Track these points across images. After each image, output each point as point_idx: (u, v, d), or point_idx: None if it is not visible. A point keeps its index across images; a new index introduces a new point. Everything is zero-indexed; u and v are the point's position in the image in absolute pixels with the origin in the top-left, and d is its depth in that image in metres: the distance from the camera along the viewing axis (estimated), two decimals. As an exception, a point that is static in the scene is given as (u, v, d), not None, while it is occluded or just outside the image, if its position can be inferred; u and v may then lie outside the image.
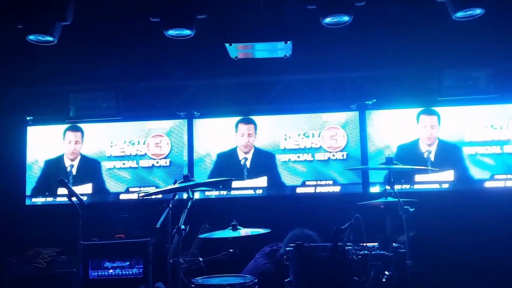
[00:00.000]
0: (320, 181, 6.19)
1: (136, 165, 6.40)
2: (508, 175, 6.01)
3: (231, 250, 4.48)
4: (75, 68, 5.95)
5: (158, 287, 5.17)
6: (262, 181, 6.23)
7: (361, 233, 3.91)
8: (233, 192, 6.25)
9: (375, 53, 5.74)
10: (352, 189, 6.13)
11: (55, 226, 5.81)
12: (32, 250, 5.65)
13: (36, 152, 6.48)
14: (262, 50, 5.07)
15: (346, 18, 4.34)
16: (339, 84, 6.33)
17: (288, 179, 6.23)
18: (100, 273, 5.40)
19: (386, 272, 3.83)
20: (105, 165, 6.43)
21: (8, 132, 6.49)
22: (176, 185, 4.04)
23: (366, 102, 6.19)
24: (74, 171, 6.44)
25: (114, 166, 6.42)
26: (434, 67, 5.98)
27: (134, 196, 6.33)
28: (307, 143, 6.26)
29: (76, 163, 6.46)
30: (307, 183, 6.20)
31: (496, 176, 6.02)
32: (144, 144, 6.43)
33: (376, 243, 4.02)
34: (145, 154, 6.41)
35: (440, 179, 6.04)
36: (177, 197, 4.04)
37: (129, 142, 6.44)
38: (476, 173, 6.04)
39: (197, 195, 6.11)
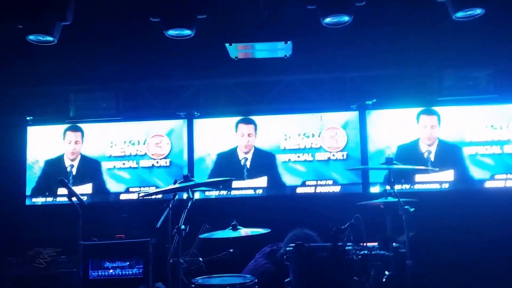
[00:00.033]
0: (320, 181, 6.19)
1: (136, 165, 6.40)
2: (508, 175, 6.01)
3: (231, 250, 4.49)
4: (75, 68, 5.95)
5: (158, 287, 5.17)
6: (262, 181, 6.23)
7: (361, 233, 3.91)
8: (233, 192, 6.25)
9: (375, 53, 5.74)
10: (352, 189, 6.13)
11: (55, 226, 5.81)
12: (32, 250, 5.64)
13: (36, 152, 6.48)
14: (262, 50, 5.07)
15: (346, 18, 4.34)
16: (339, 84, 6.33)
17: (288, 179, 6.23)
18: (100, 273, 5.39)
19: (386, 272, 3.83)
20: (105, 165, 6.43)
21: (8, 132, 6.49)
22: (176, 185, 4.05)
23: (366, 102, 6.19)
24: (74, 171, 6.44)
25: (114, 166, 6.42)
26: (434, 67, 5.98)
27: (134, 196, 6.33)
28: (307, 143, 6.26)
29: (76, 163, 6.46)
30: (307, 183, 6.20)
31: (496, 176, 6.02)
32: (144, 144, 6.43)
33: (376, 243, 4.02)
34: (145, 154, 6.41)
35: (440, 179, 6.04)
36: (177, 197, 4.04)
37: (129, 142, 6.44)
38: (476, 173, 6.04)
39: (197, 195, 6.11)
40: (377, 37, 5.40)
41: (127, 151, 6.42)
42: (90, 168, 6.43)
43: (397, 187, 4.39)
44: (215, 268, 4.35)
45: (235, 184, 6.21)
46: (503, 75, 6.02)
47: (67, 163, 6.46)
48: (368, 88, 6.22)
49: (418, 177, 6.08)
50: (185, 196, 3.97)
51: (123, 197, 6.37)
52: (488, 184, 6.01)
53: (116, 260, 5.40)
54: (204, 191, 6.22)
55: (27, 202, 6.40)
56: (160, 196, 5.39)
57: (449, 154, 6.10)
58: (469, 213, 5.70)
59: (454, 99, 6.04)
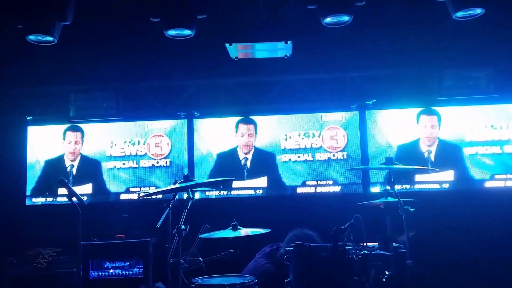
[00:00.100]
0: (320, 181, 6.19)
1: (136, 165, 6.40)
2: (508, 175, 6.01)
3: (231, 250, 4.49)
4: (75, 68, 5.95)
5: (158, 287, 5.17)
6: (262, 181, 6.23)
7: (361, 233, 3.91)
8: (233, 192, 6.25)
9: (375, 53, 5.74)
10: (352, 189, 6.13)
11: (55, 226, 5.81)
12: (32, 250, 5.64)
13: (36, 152, 6.48)
14: (262, 50, 5.07)
15: (346, 18, 4.34)
16: (339, 84, 6.33)
17: (288, 179, 6.23)
18: (100, 273, 5.39)
19: (386, 272, 3.83)
20: (105, 165, 6.43)
21: (8, 132, 6.49)
22: (176, 185, 4.05)
23: (367, 102, 6.19)
24: (74, 171, 6.44)
25: (114, 166, 6.42)
26: (434, 67, 5.99)
27: (134, 196, 6.33)
28: (307, 143, 6.26)
29: (76, 163, 6.46)
30: (307, 183, 6.20)
31: (496, 176, 6.02)
32: (144, 144, 6.43)
33: (376, 243, 4.02)
34: (145, 154, 6.41)
35: (440, 179, 6.04)
36: (177, 197, 4.04)
37: (129, 142, 6.44)
38: (476, 173, 6.04)
39: (197, 195, 6.11)
40: (377, 37, 5.40)
41: (127, 151, 6.42)
42: (90, 168, 6.43)
43: (397, 187, 4.38)
44: (215, 268, 4.35)
45: (235, 184, 6.21)
46: (503, 75, 6.02)
47: (67, 163, 6.46)
48: (368, 88, 6.22)
49: (418, 177, 6.08)
50: (185, 196, 3.97)
51: (123, 197, 6.37)
52: (488, 184, 6.01)
53: (116, 260, 5.40)
54: (204, 191, 6.22)
55: (27, 202, 6.40)
56: (160, 196, 5.39)
57: (449, 154, 6.10)
58: (469, 213, 5.70)
59: (454, 99, 6.04)
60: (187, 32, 4.49)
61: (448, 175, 6.04)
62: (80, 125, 6.48)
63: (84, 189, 6.33)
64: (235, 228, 4.20)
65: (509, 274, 5.45)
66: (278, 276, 4.15)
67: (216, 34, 4.87)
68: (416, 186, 6.07)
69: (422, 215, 4.37)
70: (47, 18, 4.34)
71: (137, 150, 6.42)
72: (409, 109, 6.20)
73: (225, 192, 6.25)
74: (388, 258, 3.87)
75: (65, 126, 6.49)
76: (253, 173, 6.26)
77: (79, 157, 6.47)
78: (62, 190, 6.07)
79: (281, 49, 5.00)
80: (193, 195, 4.02)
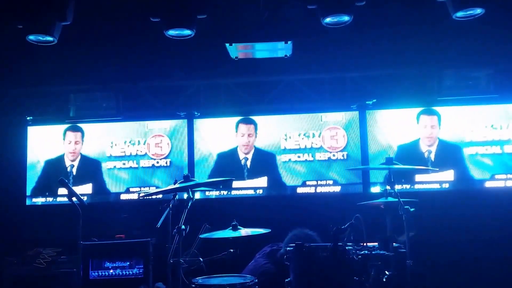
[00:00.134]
0: (321, 181, 6.19)
1: (137, 165, 6.40)
2: (508, 175, 6.01)
3: (232, 250, 4.49)
4: (75, 68, 5.95)
5: (158, 287, 5.17)
6: (262, 181, 6.23)
7: (362, 233, 3.91)
8: (233, 192, 6.25)
9: (375, 53, 5.74)
10: (352, 189, 6.13)
11: (55, 226, 5.81)
12: (32, 250, 5.64)
13: (37, 152, 6.48)
14: (262, 50, 5.07)
15: (346, 18, 4.34)
16: (339, 84, 6.33)
17: (288, 179, 6.23)
18: (100, 273, 5.40)
19: (386, 272, 3.83)
20: (105, 165, 6.43)
21: (8, 132, 6.49)
22: (177, 185, 4.05)
23: (367, 102, 6.19)
24: (74, 171, 6.44)
25: (115, 166, 6.42)
26: (434, 67, 5.98)
27: (135, 196, 6.33)
28: (307, 143, 6.26)
29: (76, 163, 6.46)
30: (307, 183, 6.20)
31: (496, 176, 6.02)
32: (144, 144, 6.43)
33: (376, 243, 4.02)
34: (146, 154, 6.41)
35: (440, 179, 6.04)
36: (177, 197, 4.04)
37: (129, 142, 6.44)
38: (476, 173, 6.05)
39: (197, 195, 6.11)
40: (377, 37, 5.40)
41: (127, 151, 6.42)
42: (90, 168, 6.43)
43: (397, 187, 4.38)
44: (215, 268, 4.35)
45: (236, 184, 6.21)
46: (503, 75, 6.02)
47: (67, 163, 6.46)
48: (368, 88, 6.22)
49: (418, 177, 6.08)
50: (185, 196, 3.97)
51: (123, 197, 6.37)
52: (488, 184, 6.01)
53: (116, 260, 5.41)
54: (205, 191, 6.21)
55: (27, 202, 6.40)
56: (160, 196, 5.39)
57: (449, 154, 6.10)
58: (469, 213, 5.70)
59: (454, 99, 6.04)
60: (187, 32, 4.49)
61: (448, 175, 6.04)
62: (80, 125, 6.48)
63: (84, 189, 6.33)
64: (235, 228, 4.20)
65: (509, 274, 5.45)
66: (278, 276, 4.15)
67: (216, 34, 4.87)
68: (416, 186, 6.07)
69: (422, 215, 4.37)
70: (47, 18, 4.34)
71: (137, 150, 6.42)
72: (409, 109, 6.20)
73: (225, 192, 6.25)
74: (388, 258, 3.87)
75: (65, 126, 6.49)
76: (253, 173, 6.26)
77: (79, 157, 6.47)
78: (62, 190, 6.07)
79: (281, 49, 5.00)
80: (193, 195, 4.02)
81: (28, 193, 6.41)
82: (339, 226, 3.79)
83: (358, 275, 3.76)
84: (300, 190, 6.20)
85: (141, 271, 5.37)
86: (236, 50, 5.02)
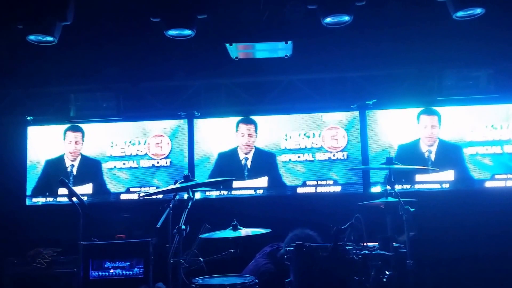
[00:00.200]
0: (321, 181, 6.19)
1: (137, 165, 6.41)
2: (509, 175, 6.01)
3: (232, 250, 4.48)
4: (75, 68, 5.96)
5: (158, 287, 5.17)
6: (262, 181, 6.23)
7: (362, 233, 3.91)
8: (233, 192, 6.25)
9: (376, 53, 5.74)
10: (352, 189, 6.13)
11: (55, 226, 5.81)
12: (32, 250, 5.64)
13: (37, 152, 6.49)
14: (263, 50, 5.08)
15: (346, 18, 4.34)
16: (339, 84, 6.32)
17: (288, 179, 6.23)
18: (100, 274, 5.39)
19: (387, 272, 3.83)
20: (106, 165, 6.43)
21: (8, 132, 6.50)
22: (177, 185, 4.04)
23: (367, 102, 6.19)
24: (74, 171, 6.44)
25: (115, 166, 6.42)
26: (434, 67, 5.98)
27: (135, 196, 6.33)
28: (307, 143, 6.26)
29: (76, 163, 6.46)
30: (307, 183, 6.20)
31: (497, 176, 6.02)
32: (144, 144, 6.43)
33: (377, 243, 4.01)
34: (146, 154, 6.41)
35: (440, 179, 6.04)
36: (177, 197, 4.04)
37: (130, 142, 6.44)
38: (477, 173, 6.05)
39: (198, 195, 6.12)
40: (377, 37, 5.41)
41: (127, 151, 6.43)
42: (90, 168, 6.43)
43: (398, 187, 4.38)
44: (216, 268, 4.35)
45: (236, 184, 6.21)
46: (503, 75, 6.02)
47: (68, 163, 6.46)
48: (369, 88, 6.22)
49: (418, 177, 6.08)
50: (185, 196, 3.97)
51: (123, 197, 6.37)
52: (489, 184, 6.01)
53: (116, 260, 5.40)
54: (205, 191, 6.22)
55: (28, 202, 6.41)
56: (160, 196, 5.38)
57: (449, 154, 6.10)
58: (470, 213, 5.70)
59: (454, 99, 6.04)
60: (187, 32, 4.50)
61: (448, 175, 6.04)
62: (80, 125, 6.49)
63: (85, 189, 6.33)
64: (235, 228, 4.20)
65: (510, 274, 5.45)
66: (279, 276, 4.15)
67: (217, 34, 4.88)
68: (417, 186, 6.07)
69: (423, 215, 4.37)
70: (48, 18, 4.35)
71: (138, 150, 6.42)
72: (410, 109, 6.20)
73: (225, 192, 6.25)
74: (389, 258, 3.87)
75: (66, 126, 6.49)
76: (254, 173, 6.26)
77: (79, 157, 6.47)
78: (62, 190, 6.07)
79: (281, 49, 5.00)
80: (193, 195, 4.02)
81: (29, 193, 6.41)
82: (339, 226, 3.79)
83: (359, 275, 3.75)
84: (300, 190, 6.20)
85: (141, 271, 5.37)
86: (236, 50, 5.02)
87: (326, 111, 6.29)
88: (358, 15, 4.38)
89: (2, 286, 5.55)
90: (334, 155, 6.22)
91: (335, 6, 4.28)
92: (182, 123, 6.42)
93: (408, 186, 6.06)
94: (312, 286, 3.75)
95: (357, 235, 3.92)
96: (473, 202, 5.85)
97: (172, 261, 3.75)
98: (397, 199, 4.15)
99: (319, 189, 6.18)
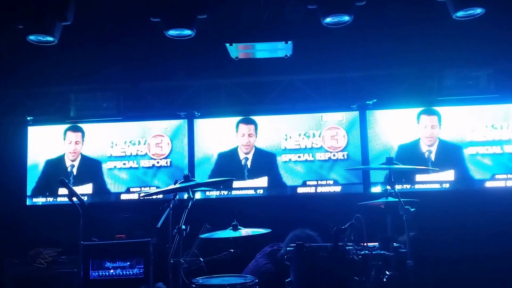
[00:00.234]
0: (321, 181, 6.19)
1: (137, 165, 6.41)
2: (509, 175, 6.01)
3: (232, 250, 4.49)
4: (76, 68, 5.95)
5: (159, 287, 5.17)
6: (263, 181, 6.23)
7: (362, 233, 3.91)
8: (234, 192, 6.25)
9: (376, 53, 5.74)
10: (353, 189, 6.13)
11: (55, 226, 5.81)
12: (32, 250, 5.65)
13: (37, 152, 6.49)
14: (263, 50, 5.08)
15: (346, 18, 4.34)
16: (339, 84, 6.32)
17: (288, 179, 6.23)
18: (100, 274, 5.40)
19: (387, 272, 3.83)
20: (106, 165, 6.43)
21: (8, 132, 6.50)
22: (177, 185, 4.05)
23: (367, 102, 6.19)
24: (74, 171, 6.44)
25: (115, 166, 6.42)
26: (434, 67, 5.99)
27: (135, 196, 6.33)
28: (307, 143, 6.26)
29: (76, 163, 6.46)
30: (307, 183, 6.20)
31: (497, 176, 6.02)
32: (144, 144, 6.43)
33: (377, 243, 4.02)
34: (146, 154, 6.42)
35: (440, 179, 6.04)
36: (177, 197, 4.04)
37: (130, 142, 6.44)
38: (477, 173, 6.04)
39: (198, 195, 6.12)
40: (377, 37, 5.40)
41: (127, 151, 6.43)
42: (90, 168, 6.43)
43: (398, 187, 4.38)
44: (216, 268, 4.35)
45: (236, 184, 6.21)
46: (503, 75, 6.02)
47: (68, 163, 6.46)
48: (369, 88, 6.22)
49: (418, 177, 6.08)
50: (185, 196, 3.97)
51: (123, 197, 6.37)
52: (489, 184, 6.01)
53: (116, 260, 5.41)
54: (205, 191, 6.22)
55: (28, 202, 6.41)
56: (160, 196, 5.39)
57: (449, 154, 6.10)
58: (470, 213, 5.70)
59: (454, 99, 6.04)
60: (187, 32, 4.50)
61: (448, 175, 6.04)
62: (80, 125, 6.49)
63: (85, 189, 6.33)
64: (235, 228, 4.20)
65: (510, 274, 5.45)
66: (279, 276, 4.15)
67: (217, 34, 4.87)
68: (417, 186, 6.07)
69: (423, 215, 4.37)
70: (48, 19, 4.34)
71: (138, 150, 6.42)
72: (410, 109, 6.20)
73: (225, 192, 6.25)
74: (389, 258, 3.87)
75: (66, 126, 6.49)
76: (254, 173, 6.26)
77: (79, 157, 6.47)
78: (62, 190, 6.07)
79: (281, 49, 5.00)
80: (193, 195, 4.02)
81: (29, 193, 6.41)
82: (339, 226, 3.79)
83: (359, 275, 3.75)
84: (300, 190, 6.20)
85: (141, 271, 5.38)
86: (236, 50, 5.02)
87: (326, 111, 6.29)
88: (358, 15, 4.38)
89: (2, 286, 5.56)
90: (334, 155, 6.22)
91: (335, 6, 4.28)
92: (182, 123, 6.41)
93: (408, 186, 6.06)
94: (312, 286, 3.75)
95: (357, 235, 3.92)
96: (473, 202, 5.85)
97: (172, 261, 3.75)
98: (397, 199, 4.15)
99: (319, 189, 6.18)
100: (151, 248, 5.30)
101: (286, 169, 6.25)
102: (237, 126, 6.35)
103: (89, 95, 6.32)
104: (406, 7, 4.95)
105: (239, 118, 6.36)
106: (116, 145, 6.44)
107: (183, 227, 3.77)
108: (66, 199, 4.58)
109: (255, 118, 6.35)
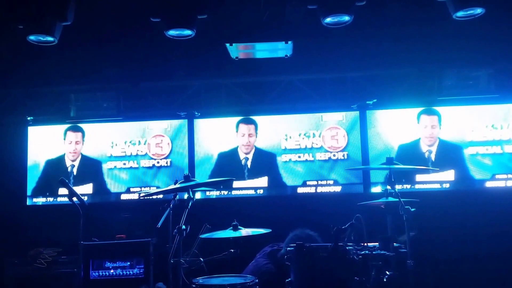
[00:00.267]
0: (321, 181, 6.19)
1: (137, 165, 6.41)
2: (509, 175, 6.00)
3: (232, 250, 4.49)
4: (76, 68, 5.96)
5: (159, 287, 5.17)
6: (263, 181, 6.23)
7: (362, 233, 3.91)
8: (234, 192, 6.25)
9: (376, 53, 5.75)
10: (353, 189, 6.13)
11: (56, 226, 5.82)
12: (33, 250, 5.65)
13: (37, 152, 6.48)
14: (263, 50, 5.08)
15: (346, 18, 4.34)
16: (339, 84, 6.33)
17: (289, 179, 6.23)
18: (101, 274, 5.40)
19: (387, 272, 3.83)
20: (106, 165, 6.43)
21: (9, 132, 6.50)
22: (177, 185, 4.04)
23: (367, 102, 6.19)
24: (75, 171, 6.44)
25: (115, 166, 6.42)
26: (434, 67, 5.99)
27: (135, 196, 6.33)
28: (307, 143, 6.26)
29: (77, 163, 6.46)
30: (308, 183, 6.20)
31: (497, 176, 6.02)
32: (144, 144, 6.43)
33: (377, 243, 4.02)
34: (146, 154, 6.41)
35: (441, 179, 6.04)
36: (178, 197, 4.04)
37: (130, 142, 6.44)
38: (477, 173, 6.04)
39: (198, 195, 6.12)
40: (377, 37, 5.41)
41: (127, 151, 6.43)
42: (90, 168, 6.43)
43: (398, 187, 4.38)
44: (216, 268, 4.35)
45: (236, 184, 6.21)
46: (503, 75, 6.03)
47: (68, 163, 6.46)
48: (369, 88, 6.22)
49: (419, 177, 6.07)
50: (186, 196, 3.97)
51: (123, 197, 6.37)
52: (489, 184, 6.01)
53: (117, 260, 5.41)
54: (205, 191, 6.22)
55: (28, 202, 6.41)
56: (161, 196, 5.40)
57: (449, 154, 6.09)
58: (470, 213, 5.70)
59: (454, 98, 6.05)
60: (187, 32, 4.50)
61: (448, 175, 6.04)
62: (80, 125, 6.49)
63: (85, 189, 6.33)
64: (235, 228, 4.20)
65: (510, 274, 5.45)
66: (279, 276, 4.15)
67: (217, 34, 4.88)
68: (417, 186, 6.07)
69: (423, 215, 4.37)
70: (48, 19, 4.34)
71: (138, 150, 6.42)
72: (410, 109, 6.20)
73: (225, 192, 6.25)
74: (389, 258, 3.87)
75: (66, 126, 6.49)
76: (254, 173, 6.26)
77: (79, 157, 6.47)
78: (62, 190, 6.07)
79: (281, 49, 5.01)
80: (193, 195, 4.01)
81: (29, 193, 6.41)
82: (339, 226, 3.79)
83: (359, 275, 3.75)
84: (300, 190, 6.20)
85: (141, 271, 5.38)
86: (236, 50, 5.02)
87: (326, 111, 6.29)
88: (358, 15, 4.38)
89: (2, 286, 5.56)
90: (334, 155, 6.22)
91: (335, 6, 4.28)
92: (182, 123, 6.41)
93: (409, 186, 6.06)
94: (313, 286, 3.75)
95: (358, 235, 3.92)
96: (473, 202, 5.85)
97: (172, 261, 3.75)
98: (398, 199, 4.15)
99: (319, 189, 6.18)
100: (151, 248, 5.30)
101: (286, 169, 6.25)
102: (237, 126, 6.35)
103: (89, 95, 6.32)
104: (406, 7, 4.96)
105: (239, 118, 6.36)
106: (116, 145, 6.44)
107: (183, 227, 3.76)
108: (66, 199, 4.58)
109: (255, 118, 6.35)
